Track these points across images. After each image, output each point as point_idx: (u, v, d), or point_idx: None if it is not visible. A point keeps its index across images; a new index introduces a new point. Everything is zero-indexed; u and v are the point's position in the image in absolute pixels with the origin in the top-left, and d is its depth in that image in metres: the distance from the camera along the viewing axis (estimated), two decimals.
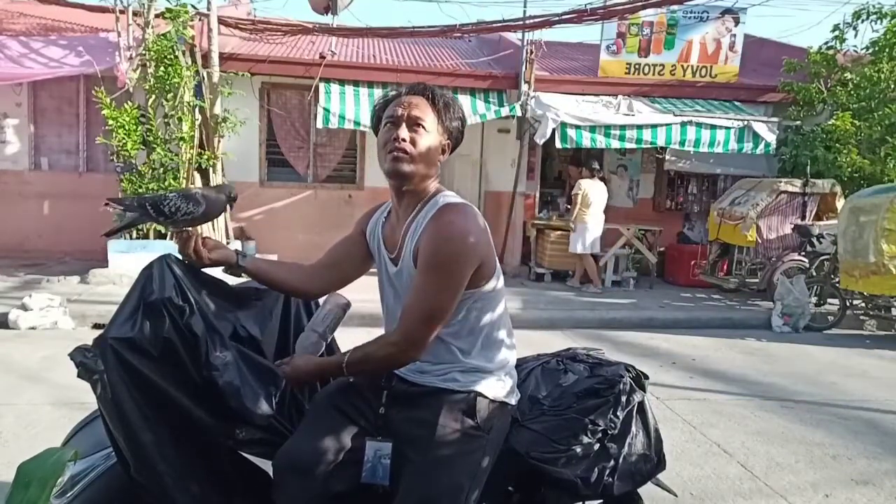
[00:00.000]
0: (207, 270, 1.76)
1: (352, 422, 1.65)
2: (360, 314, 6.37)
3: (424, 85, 1.72)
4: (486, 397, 1.65)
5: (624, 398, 1.80)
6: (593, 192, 8.30)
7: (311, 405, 1.74)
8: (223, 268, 1.76)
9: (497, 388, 1.69)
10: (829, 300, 7.56)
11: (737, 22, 9.35)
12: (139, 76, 7.70)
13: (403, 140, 1.63)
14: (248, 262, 1.75)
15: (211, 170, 8.04)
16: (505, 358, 1.75)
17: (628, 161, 10.37)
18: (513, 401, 1.74)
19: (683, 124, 8.56)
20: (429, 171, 1.68)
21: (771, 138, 8.66)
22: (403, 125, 1.64)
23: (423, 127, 1.65)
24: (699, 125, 8.58)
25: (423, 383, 1.68)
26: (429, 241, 1.59)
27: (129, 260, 7.24)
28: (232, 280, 1.79)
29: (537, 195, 9.63)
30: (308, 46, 9.82)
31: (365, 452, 1.61)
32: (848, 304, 7.37)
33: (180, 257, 1.72)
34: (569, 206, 8.83)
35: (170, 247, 1.79)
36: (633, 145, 8.75)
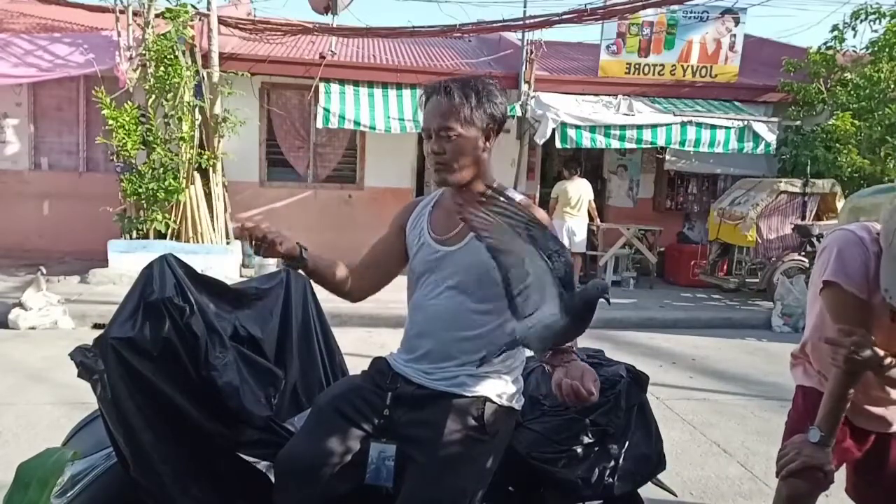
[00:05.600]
0: (210, 273, 1.75)
1: (354, 424, 1.64)
2: (360, 314, 6.42)
3: (444, 85, 1.67)
4: (494, 402, 1.64)
5: (624, 398, 1.79)
6: (572, 191, 8.51)
7: (314, 407, 1.73)
8: (282, 260, 1.66)
9: (506, 393, 1.68)
10: None
11: (737, 22, 9.35)
12: (139, 76, 7.69)
13: (437, 153, 1.65)
14: (308, 257, 1.65)
15: (211, 170, 8.05)
16: (518, 362, 1.74)
17: (628, 161, 10.37)
18: (519, 405, 1.73)
19: (683, 124, 8.56)
20: (476, 166, 1.69)
21: (771, 138, 8.65)
22: (434, 137, 1.66)
23: (452, 133, 1.64)
24: (699, 125, 8.57)
25: (429, 386, 1.66)
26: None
27: (129, 260, 7.23)
28: (231, 280, 1.80)
29: (537, 195, 9.63)
30: (308, 46, 9.81)
31: (369, 454, 1.60)
32: None
33: (180, 257, 1.71)
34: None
35: (170, 247, 1.79)
36: (633, 145, 8.75)
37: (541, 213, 1.69)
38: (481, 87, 1.67)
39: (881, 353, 1.68)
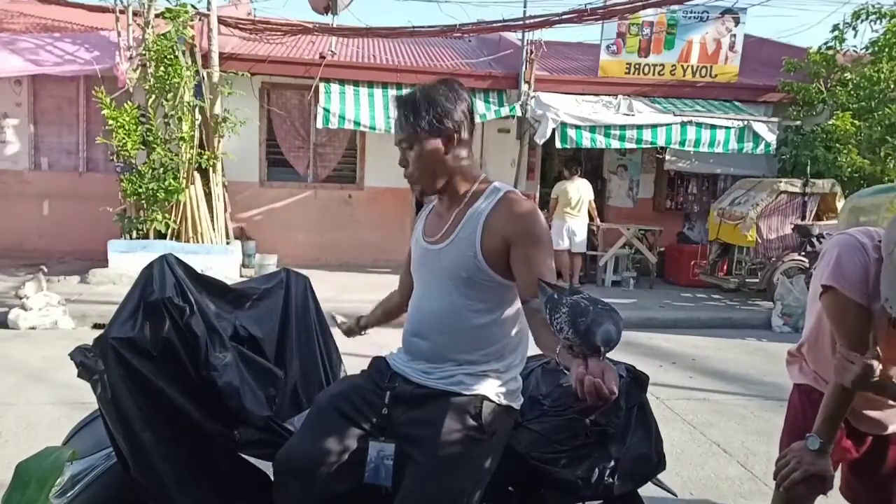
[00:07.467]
0: (210, 273, 1.76)
1: (353, 423, 1.64)
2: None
3: (396, 98, 1.71)
4: (492, 401, 1.64)
5: (624, 398, 1.79)
6: (572, 191, 8.51)
7: (313, 406, 1.73)
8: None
9: (503, 392, 1.67)
10: None
11: (737, 22, 9.35)
12: (139, 76, 7.69)
13: (403, 166, 1.72)
14: (367, 324, 2.15)
15: (211, 170, 8.05)
16: (517, 361, 1.73)
17: (628, 161, 10.37)
18: (517, 404, 1.73)
19: (683, 124, 8.55)
20: (443, 174, 1.69)
21: (771, 138, 8.65)
22: (401, 151, 1.71)
23: (409, 146, 1.68)
24: (699, 125, 8.57)
25: (427, 385, 1.66)
26: (523, 219, 1.62)
27: (129, 260, 7.23)
28: (231, 280, 1.80)
29: (537, 195, 9.62)
30: (308, 46, 9.82)
31: (368, 453, 1.61)
32: None
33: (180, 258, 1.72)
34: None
35: (170, 247, 1.79)
36: (633, 145, 8.75)
37: (529, 205, 1.68)
38: (420, 101, 1.66)
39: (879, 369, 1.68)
